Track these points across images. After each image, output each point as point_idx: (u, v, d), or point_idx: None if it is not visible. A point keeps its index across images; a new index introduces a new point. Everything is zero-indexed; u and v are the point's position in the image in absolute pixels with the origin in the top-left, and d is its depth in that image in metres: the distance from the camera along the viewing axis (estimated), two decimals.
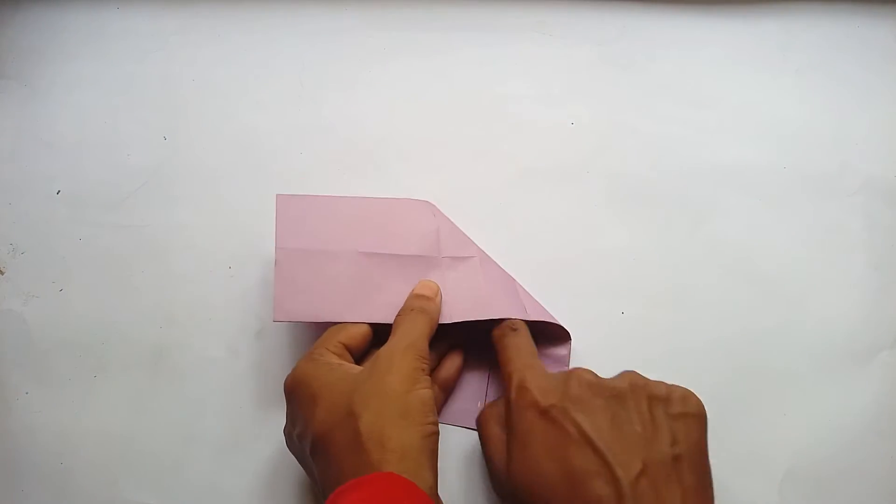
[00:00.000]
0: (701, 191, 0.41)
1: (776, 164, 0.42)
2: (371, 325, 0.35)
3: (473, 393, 0.37)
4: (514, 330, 0.34)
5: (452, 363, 0.37)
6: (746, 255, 0.40)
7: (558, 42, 0.46)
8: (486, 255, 0.39)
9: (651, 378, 0.30)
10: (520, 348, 0.33)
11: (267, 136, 0.44)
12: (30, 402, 0.39)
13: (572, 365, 0.38)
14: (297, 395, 0.31)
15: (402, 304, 0.35)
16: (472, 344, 0.37)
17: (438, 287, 0.36)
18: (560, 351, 0.38)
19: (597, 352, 0.37)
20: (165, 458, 0.37)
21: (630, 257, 0.40)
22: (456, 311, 0.36)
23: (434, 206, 0.40)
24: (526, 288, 0.39)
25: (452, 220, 0.40)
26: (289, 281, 0.36)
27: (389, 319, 0.35)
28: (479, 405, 0.37)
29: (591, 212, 0.41)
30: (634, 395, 0.28)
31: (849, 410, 0.36)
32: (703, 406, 0.29)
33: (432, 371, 0.35)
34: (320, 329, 0.36)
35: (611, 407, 0.28)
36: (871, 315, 0.38)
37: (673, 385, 0.29)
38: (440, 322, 0.35)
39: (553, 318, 0.37)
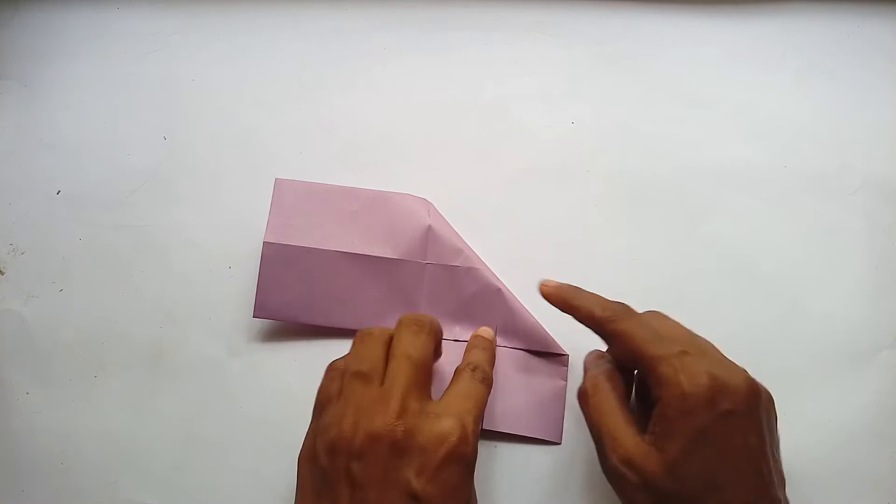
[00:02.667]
0: (701, 191, 0.41)
1: (776, 164, 0.42)
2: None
3: (552, 404, 0.37)
4: (628, 311, 0.32)
5: None
6: (746, 255, 0.40)
7: (558, 42, 0.46)
8: (475, 264, 0.38)
9: None
10: (653, 329, 0.30)
11: (267, 136, 0.44)
12: (30, 402, 0.39)
13: (570, 371, 0.38)
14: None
15: (378, 310, 0.36)
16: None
17: (494, 340, 0.36)
18: (557, 370, 0.38)
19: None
20: (165, 458, 0.37)
21: (630, 257, 0.40)
22: None
23: (431, 204, 0.40)
24: (525, 288, 0.39)
25: (452, 219, 0.40)
26: (271, 279, 0.37)
27: (365, 325, 0.35)
28: None
29: (591, 212, 0.41)
30: (770, 405, 0.30)
31: (849, 410, 0.36)
32: None
33: None
34: (307, 329, 0.37)
35: (764, 421, 0.29)
36: (871, 315, 0.38)
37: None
38: None
39: (542, 340, 0.37)
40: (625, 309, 0.32)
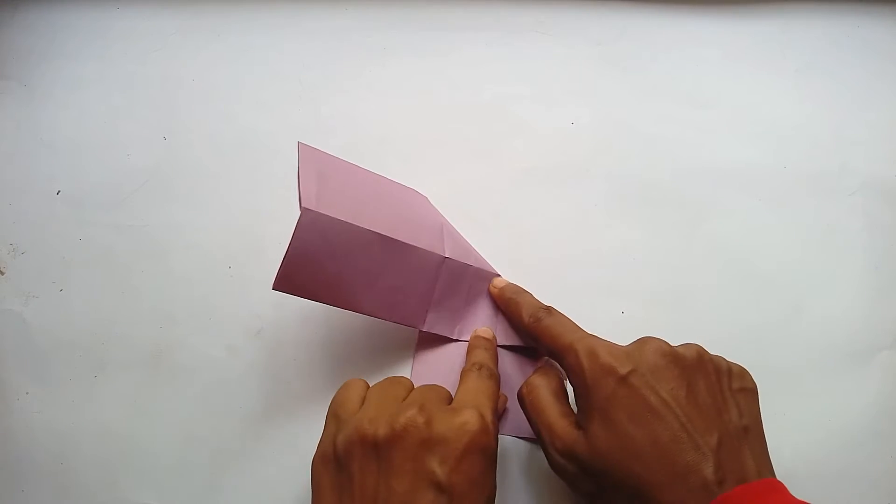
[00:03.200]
0: (701, 191, 0.41)
1: (776, 164, 0.42)
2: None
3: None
4: (549, 312, 0.33)
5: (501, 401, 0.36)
6: (746, 255, 0.40)
7: (558, 42, 0.46)
8: (485, 267, 0.39)
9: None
10: (564, 324, 0.32)
11: (267, 136, 0.44)
12: (30, 402, 0.39)
13: None
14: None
15: (396, 299, 0.35)
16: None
17: (494, 340, 0.37)
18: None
19: None
20: (165, 458, 0.37)
21: (630, 257, 0.40)
22: (438, 323, 0.37)
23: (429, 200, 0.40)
24: (525, 288, 0.39)
25: (452, 219, 0.40)
26: (303, 250, 0.31)
27: (380, 313, 0.35)
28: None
29: (591, 212, 0.41)
30: (703, 367, 0.29)
31: (849, 410, 0.36)
32: (755, 383, 0.31)
33: None
34: (307, 328, 0.37)
35: (685, 377, 0.28)
36: (871, 315, 0.38)
37: (730, 361, 0.31)
38: (417, 327, 0.37)
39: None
40: (548, 312, 0.33)
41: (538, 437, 0.31)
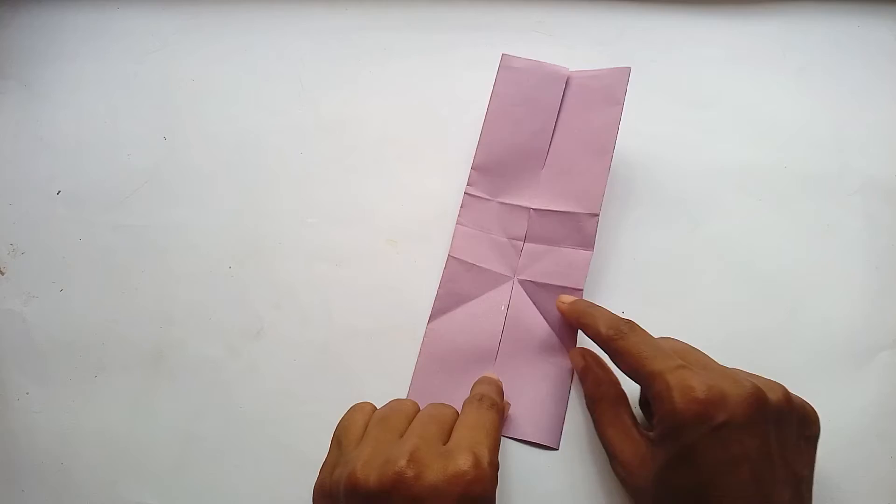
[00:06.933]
0: (701, 191, 0.41)
1: (776, 164, 0.42)
2: None
3: (552, 409, 0.37)
4: (631, 327, 0.31)
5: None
6: (746, 255, 0.40)
7: (559, 42, 0.46)
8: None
9: None
10: (652, 345, 0.30)
11: (267, 136, 0.44)
12: (30, 402, 0.39)
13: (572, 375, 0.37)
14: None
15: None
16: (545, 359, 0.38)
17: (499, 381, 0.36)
18: (560, 374, 0.37)
19: (596, 351, 0.37)
20: (165, 458, 0.37)
21: (630, 257, 0.40)
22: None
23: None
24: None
25: (453, 219, 0.40)
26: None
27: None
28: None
29: None
30: (787, 417, 0.28)
31: (848, 411, 0.36)
32: (821, 427, 0.30)
33: None
34: (322, 326, 0.36)
35: (771, 430, 0.28)
36: (871, 315, 0.38)
37: (803, 401, 0.30)
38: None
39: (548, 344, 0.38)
40: (630, 327, 0.31)
41: (602, 444, 0.31)
